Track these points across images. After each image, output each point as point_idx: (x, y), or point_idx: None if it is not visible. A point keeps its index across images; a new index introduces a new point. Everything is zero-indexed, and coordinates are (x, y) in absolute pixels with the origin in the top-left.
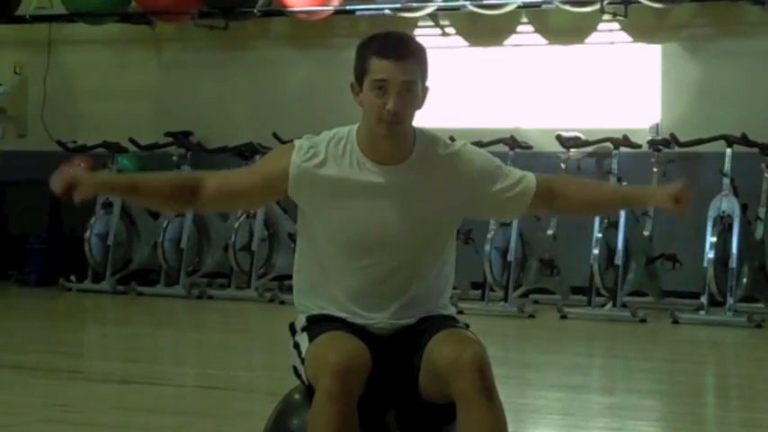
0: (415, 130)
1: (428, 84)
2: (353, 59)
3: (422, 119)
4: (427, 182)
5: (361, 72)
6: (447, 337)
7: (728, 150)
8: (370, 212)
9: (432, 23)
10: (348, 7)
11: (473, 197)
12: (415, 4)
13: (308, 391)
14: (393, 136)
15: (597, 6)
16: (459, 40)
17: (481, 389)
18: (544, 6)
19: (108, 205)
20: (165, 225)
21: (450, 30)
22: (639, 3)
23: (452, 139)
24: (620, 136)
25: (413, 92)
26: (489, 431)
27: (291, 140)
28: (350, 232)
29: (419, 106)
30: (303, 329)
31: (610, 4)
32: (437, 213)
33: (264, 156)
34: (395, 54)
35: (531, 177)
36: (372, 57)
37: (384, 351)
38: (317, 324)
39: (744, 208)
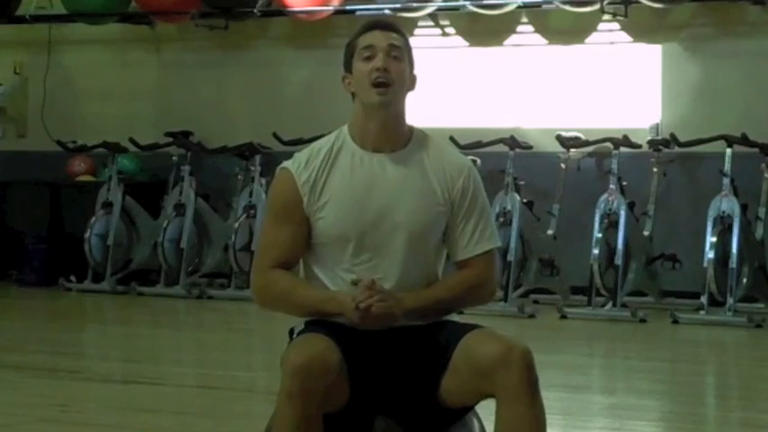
0: (412, 128)
1: (416, 74)
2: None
3: (423, 119)
4: (424, 169)
5: (349, 55)
6: (491, 334)
7: (728, 150)
8: (369, 207)
9: (432, 23)
10: (348, 7)
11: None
12: (415, 4)
13: None
14: (385, 103)
15: (597, 6)
16: (459, 40)
17: (528, 386)
18: (544, 6)
19: (108, 205)
20: (165, 225)
21: (450, 30)
22: (639, 3)
23: (452, 139)
24: (620, 136)
25: (401, 60)
26: (531, 427)
27: (291, 141)
28: (349, 229)
29: (410, 87)
30: (299, 333)
31: (610, 4)
32: (432, 203)
33: (269, 202)
34: (380, 26)
35: (478, 246)
36: (359, 36)
37: (392, 350)
38: (310, 327)
39: (744, 208)
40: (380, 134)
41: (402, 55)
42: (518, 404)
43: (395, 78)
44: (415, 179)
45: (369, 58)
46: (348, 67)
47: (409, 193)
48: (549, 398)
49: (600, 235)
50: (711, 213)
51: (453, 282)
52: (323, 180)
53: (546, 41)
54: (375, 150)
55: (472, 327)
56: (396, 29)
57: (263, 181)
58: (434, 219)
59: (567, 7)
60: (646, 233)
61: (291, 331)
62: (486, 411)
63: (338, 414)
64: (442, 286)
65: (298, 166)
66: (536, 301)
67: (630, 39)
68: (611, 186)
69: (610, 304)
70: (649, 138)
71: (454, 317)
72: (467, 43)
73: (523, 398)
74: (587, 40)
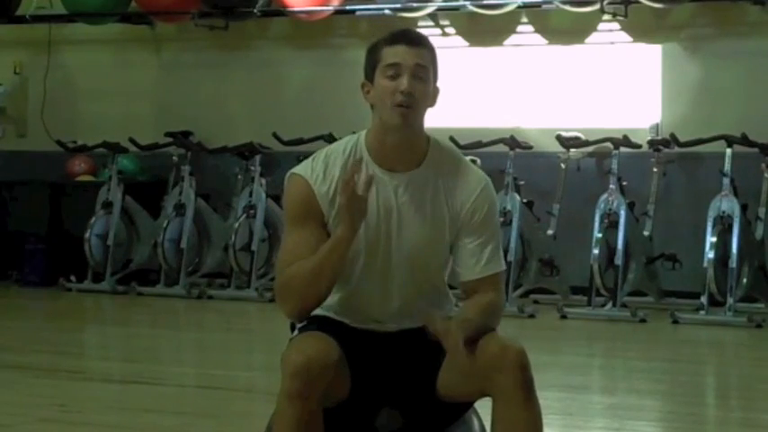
0: (429, 138)
1: (439, 85)
2: (363, 61)
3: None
4: (435, 189)
5: (372, 65)
6: (487, 333)
7: (728, 150)
8: (379, 231)
9: (432, 23)
10: (348, 7)
11: (453, 225)
12: (415, 4)
13: None
14: (406, 124)
15: (597, 6)
16: (459, 40)
17: (523, 386)
18: (544, 6)
19: (108, 205)
20: (165, 225)
21: (451, 30)
22: (639, 3)
23: (452, 139)
24: (620, 136)
25: (425, 79)
26: (526, 428)
27: (290, 141)
28: (359, 251)
29: (431, 103)
30: (300, 329)
31: (610, 4)
32: (440, 230)
33: (288, 210)
34: (406, 40)
35: (487, 268)
36: (384, 47)
37: (392, 347)
38: (311, 325)
39: (744, 208)
40: (397, 151)
41: (427, 75)
42: (513, 405)
43: (418, 101)
44: (425, 204)
45: (393, 77)
46: (369, 75)
47: (418, 220)
48: (549, 398)
49: (600, 235)
50: (711, 213)
51: (472, 303)
52: (337, 197)
53: (546, 41)
54: (390, 169)
55: None
56: (423, 43)
57: (263, 181)
58: (439, 245)
59: (567, 7)
60: (646, 233)
61: (293, 325)
62: (487, 411)
63: (339, 410)
64: (466, 309)
65: (316, 177)
66: (536, 301)
67: (630, 39)
68: (611, 186)
69: (610, 304)
70: (649, 138)
71: (453, 313)
72: (467, 43)
73: (518, 399)
74: (587, 40)
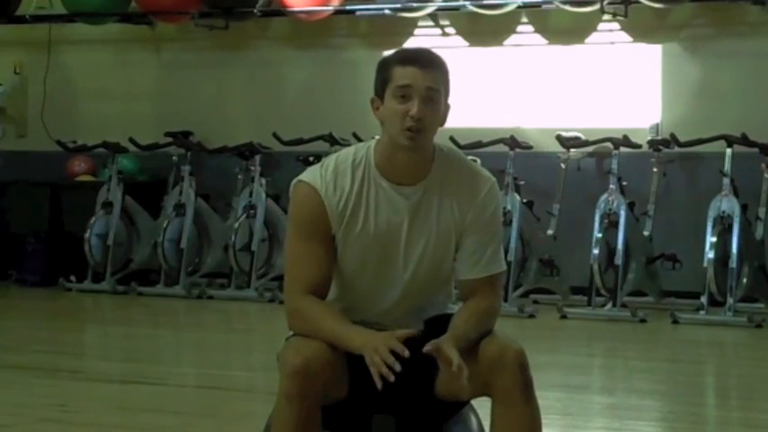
0: (435, 146)
1: (450, 102)
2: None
3: None
4: (442, 199)
5: (382, 83)
6: (486, 336)
7: (728, 150)
8: (385, 235)
9: (432, 23)
10: (348, 7)
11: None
12: (415, 4)
13: None
14: (415, 147)
15: (597, 6)
16: (459, 40)
17: (522, 387)
18: (544, 6)
19: (108, 205)
20: (165, 225)
21: (451, 30)
22: (639, 3)
23: (452, 139)
24: (620, 136)
25: (436, 102)
26: (525, 428)
27: (290, 141)
28: (365, 265)
29: (441, 122)
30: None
31: (610, 4)
32: (450, 232)
33: (295, 219)
34: (419, 61)
35: (487, 268)
36: (396, 65)
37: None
38: None
39: (744, 208)
40: (405, 167)
41: (438, 97)
42: (512, 405)
43: (428, 125)
44: (431, 216)
45: (404, 99)
46: (379, 92)
47: (425, 232)
48: (548, 398)
49: (600, 235)
50: (711, 213)
51: (467, 314)
52: (349, 210)
53: (546, 41)
54: (398, 183)
55: None
56: (436, 65)
57: (263, 181)
58: (447, 256)
59: (567, 7)
60: (646, 233)
61: None
62: (486, 410)
63: (337, 410)
64: (461, 323)
65: (326, 189)
66: (536, 301)
67: (630, 39)
68: (611, 186)
69: (610, 304)
70: (649, 138)
71: (454, 309)
72: (467, 43)
73: (517, 399)
74: (587, 40)
